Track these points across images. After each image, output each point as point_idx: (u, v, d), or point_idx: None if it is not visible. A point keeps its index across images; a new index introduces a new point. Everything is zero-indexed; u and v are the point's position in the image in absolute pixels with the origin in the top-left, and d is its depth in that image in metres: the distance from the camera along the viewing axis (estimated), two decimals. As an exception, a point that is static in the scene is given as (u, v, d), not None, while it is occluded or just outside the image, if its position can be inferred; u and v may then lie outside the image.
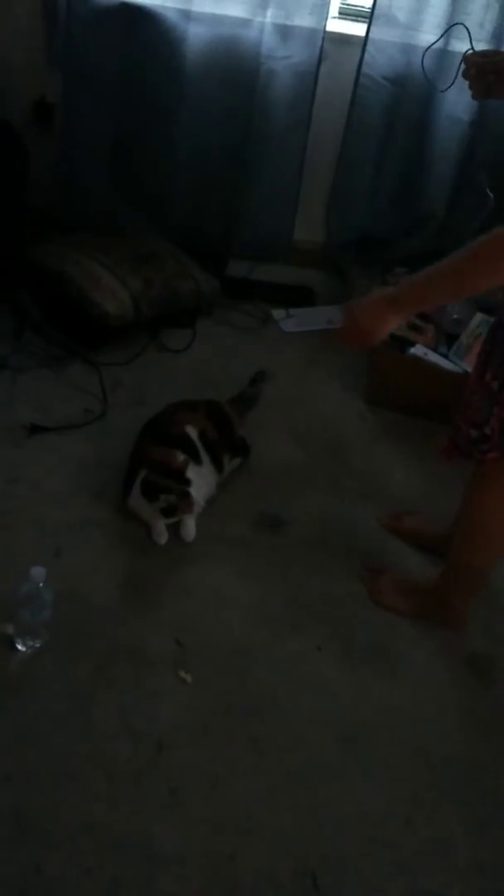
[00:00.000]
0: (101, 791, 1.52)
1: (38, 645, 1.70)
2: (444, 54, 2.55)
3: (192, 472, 1.97)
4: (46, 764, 1.54)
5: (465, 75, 1.69)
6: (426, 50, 2.37)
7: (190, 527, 1.99)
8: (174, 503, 1.92)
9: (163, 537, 1.98)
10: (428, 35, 2.59)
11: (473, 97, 1.72)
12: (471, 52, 1.72)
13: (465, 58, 1.69)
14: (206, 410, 2.17)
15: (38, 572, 1.61)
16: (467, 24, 2.19)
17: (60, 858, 1.41)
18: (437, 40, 2.36)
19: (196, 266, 2.77)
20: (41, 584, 1.62)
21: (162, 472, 1.94)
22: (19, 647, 1.70)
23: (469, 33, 2.04)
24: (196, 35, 2.59)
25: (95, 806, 1.49)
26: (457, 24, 2.40)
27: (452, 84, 2.40)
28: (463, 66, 1.68)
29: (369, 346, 1.59)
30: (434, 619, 1.92)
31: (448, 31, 2.38)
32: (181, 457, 1.98)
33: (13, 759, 1.53)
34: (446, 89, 2.41)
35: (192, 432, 2.08)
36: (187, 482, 1.93)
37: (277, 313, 2.93)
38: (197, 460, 2.03)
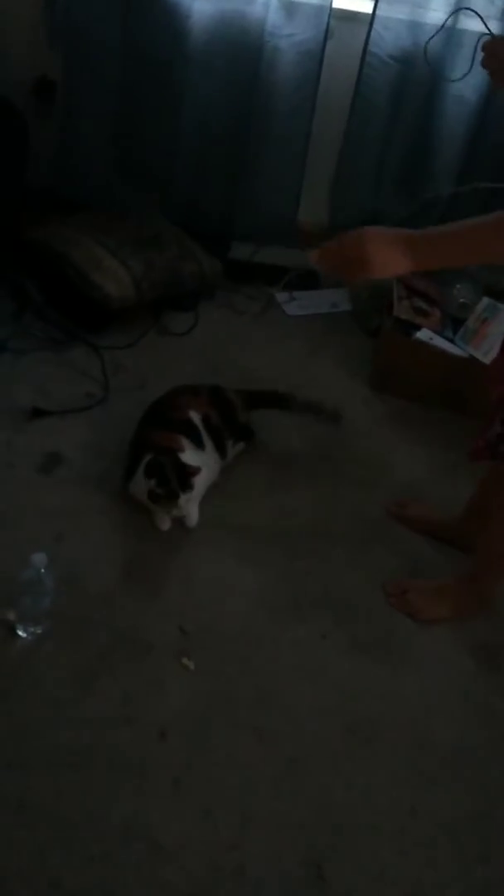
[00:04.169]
0: (102, 779, 1.50)
1: (39, 631, 1.68)
2: (452, 34, 2.50)
3: (194, 457, 1.94)
4: (48, 751, 1.52)
5: (483, 64, 1.62)
6: (429, 39, 2.33)
7: (192, 513, 1.97)
8: (161, 495, 1.87)
9: (165, 524, 1.96)
10: (436, 13, 2.54)
11: (496, 87, 1.65)
12: (488, 38, 1.66)
13: (484, 45, 1.63)
14: (209, 395, 2.14)
15: (39, 558, 1.59)
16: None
17: (63, 847, 1.40)
18: (442, 27, 2.33)
19: (198, 248, 2.72)
20: (42, 570, 1.60)
21: (169, 459, 1.89)
22: (20, 633, 1.68)
23: (480, 16, 2.00)
24: (200, 11, 2.53)
25: (97, 794, 1.48)
26: (464, 8, 2.35)
27: (467, 75, 2.39)
28: (482, 55, 1.62)
29: (363, 278, 1.39)
30: (471, 614, 1.90)
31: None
32: (183, 440, 1.95)
33: (14, 747, 1.52)
34: (461, 78, 2.39)
35: (196, 417, 2.05)
36: (190, 487, 1.87)
37: (281, 296, 2.89)
38: (199, 445, 2.00)
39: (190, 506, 1.95)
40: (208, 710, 1.64)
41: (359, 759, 1.62)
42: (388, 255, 1.33)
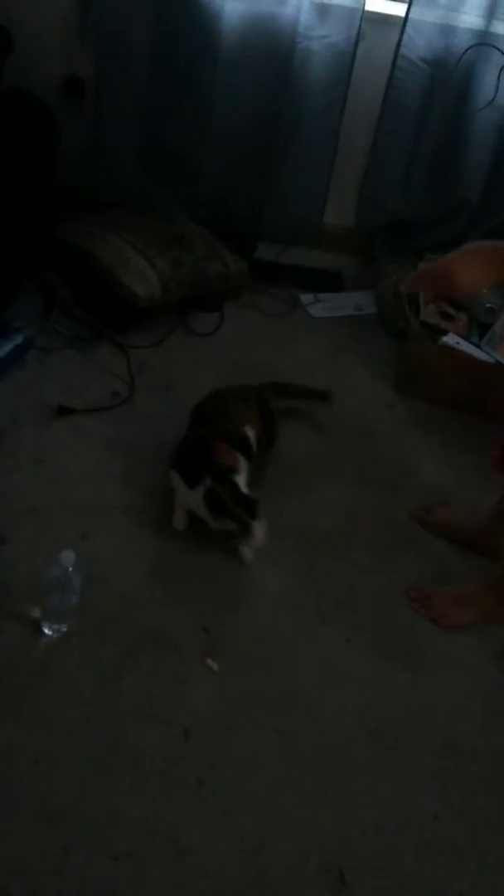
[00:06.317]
0: (127, 778, 1.51)
1: (64, 629, 1.69)
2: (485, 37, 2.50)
3: (243, 476, 1.90)
4: (73, 749, 1.53)
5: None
6: (464, 52, 2.32)
7: (247, 552, 1.92)
8: (235, 532, 1.81)
9: (181, 524, 1.96)
10: (469, 16, 2.54)
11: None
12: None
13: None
14: (258, 408, 2.11)
15: (67, 556, 1.60)
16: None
17: (87, 845, 1.41)
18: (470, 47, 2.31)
19: (225, 248, 2.73)
20: (70, 569, 1.60)
21: (230, 491, 1.82)
22: (46, 631, 1.69)
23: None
24: (232, 11, 2.53)
25: (122, 793, 1.49)
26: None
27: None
28: None
29: (451, 293, 1.45)
30: (496, 621, 1.89)
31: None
32: (241, 461, 1.91)
33: (39, 744, 1.53)
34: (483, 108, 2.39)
35: (251, 435, 2.01)
36: (254, 512, 1.80)
37: (306, 298, 2.89)
38: (249, 461, 1.97)
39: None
40: (232, 710, 1.65)
41: (381, 762, 1.62)
42: (473, 269, 1.36)
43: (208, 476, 1.83)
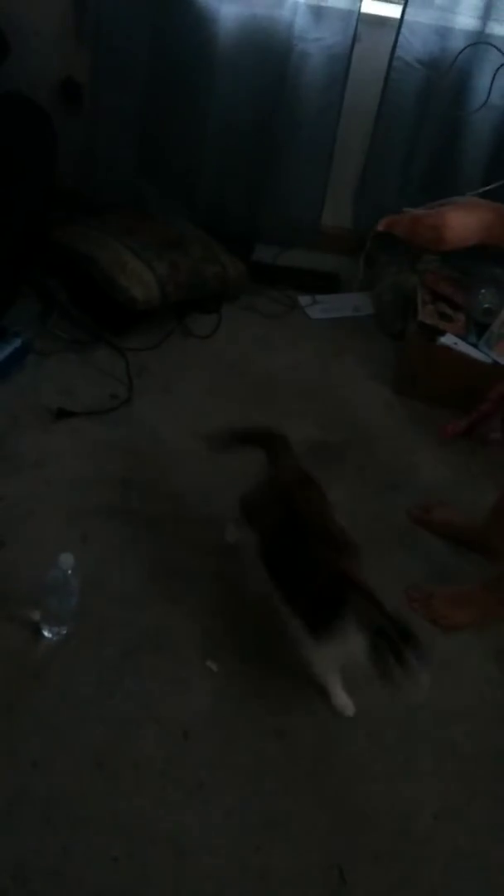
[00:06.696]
0: (127, 779, 1.51)
1: (64, 632, 1.70)
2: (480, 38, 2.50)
3: None
4: (72, 751, 1.53)
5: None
6: (460, 52, 2.31)
7: (348, 707, 1.66)
8: (390, 674, 1.42)
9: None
10: (464, 17, 2.54)
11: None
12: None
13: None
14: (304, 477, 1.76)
15: (66, 559, 1.60)
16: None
17: (87, 846, 1.41)
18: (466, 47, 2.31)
19: (222, 250, 2.73)
20: (69, 572, 1.60)
21: (394, 624, 1.45)
22: (46, 633, 1.69)
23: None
24: (228, 14, 2.54)
25: (122, 794, 1.49)
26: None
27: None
28: None
29: (434, 247, 1.37)
30: (496, 620, 1.89)
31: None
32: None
33: (40, 746, 1.53)
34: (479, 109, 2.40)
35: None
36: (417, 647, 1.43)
37: (304, 300, 2.89)
38: None
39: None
40: (232, 711, 1.65)
41: (381, 762, 1.62)
42: (467, 224, 1.33)
43: (362, 624, 1.44)
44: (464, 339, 2.52)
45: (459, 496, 2.22)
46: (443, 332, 2.51)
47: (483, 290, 2.63)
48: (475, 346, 2.52)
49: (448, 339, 2.49)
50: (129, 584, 1.84)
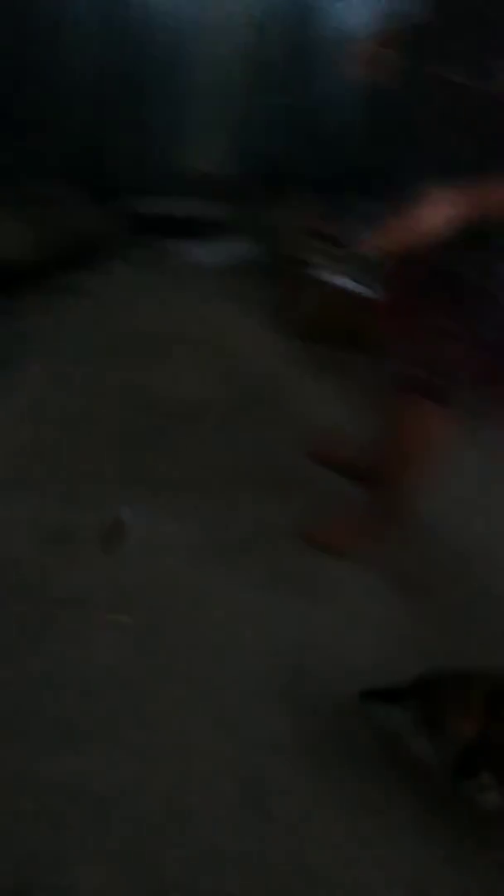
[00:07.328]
0: (44, 740, 1.50)
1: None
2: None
3: None
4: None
5: None
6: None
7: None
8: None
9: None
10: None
11: None
12: None
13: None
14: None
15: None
16: None
17: (7, 807, 1.40)
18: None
19: (96, 204, 2.67)
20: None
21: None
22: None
23: None
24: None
25: (39, 755, 1.48)
26: None
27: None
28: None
29: (411, 236, 1.43)
30: (383, 531, 1.93)
31: None
32: None
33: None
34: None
35: None
36: None
37: (187, 248, 2.86)
38: None
39: None
40: (142, 662, 1.65)
41: (296, 702, 1.64)
42: (437, 214, 1.39)
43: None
44: (344, 275, 2.54)
45: (350, 431, 2.25)
46: (321, 269, 2.53)
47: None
48: (364, 285, 2.52)
49: (325, 275, 2.50)
50: (33, 551, 1.81)
